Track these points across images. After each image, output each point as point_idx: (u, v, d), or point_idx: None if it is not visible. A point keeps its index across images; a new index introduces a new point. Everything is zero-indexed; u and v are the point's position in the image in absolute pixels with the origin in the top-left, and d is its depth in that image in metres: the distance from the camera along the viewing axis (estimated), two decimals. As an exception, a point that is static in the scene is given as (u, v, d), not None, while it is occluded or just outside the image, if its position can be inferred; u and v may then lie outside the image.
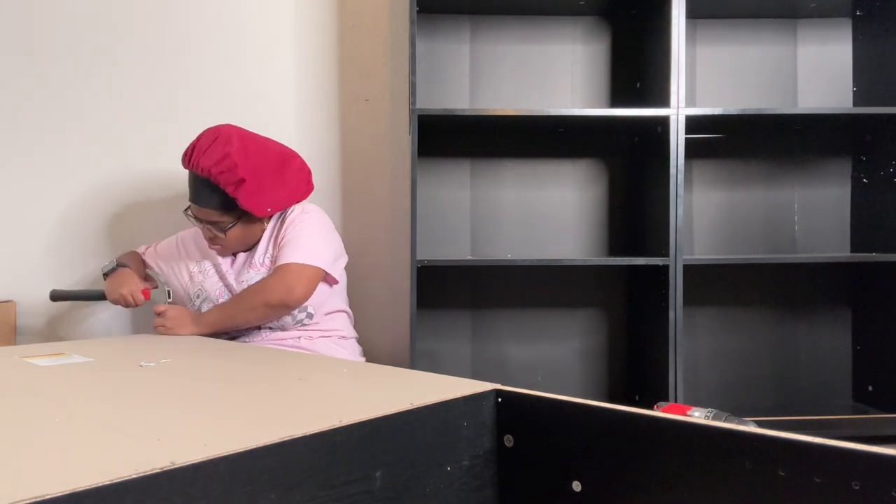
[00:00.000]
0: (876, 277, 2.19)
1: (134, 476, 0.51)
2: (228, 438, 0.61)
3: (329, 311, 1.83)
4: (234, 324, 1.65)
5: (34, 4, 2.24)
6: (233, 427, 0.67)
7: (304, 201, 1.84)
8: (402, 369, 1.02)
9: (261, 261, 1.78)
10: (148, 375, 1.00)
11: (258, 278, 1.74)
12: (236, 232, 1.74)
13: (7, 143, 2.25)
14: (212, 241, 1.77)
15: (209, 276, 1.83)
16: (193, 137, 2.27)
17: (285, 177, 1.76)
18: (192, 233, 1.94)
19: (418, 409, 0.72)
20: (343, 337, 1.85)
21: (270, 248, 1.78)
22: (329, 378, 0.96)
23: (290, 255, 1.66)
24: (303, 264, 1.65)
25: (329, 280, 1.76)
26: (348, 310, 1.91)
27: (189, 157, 1.70)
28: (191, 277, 1.85)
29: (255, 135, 1.80)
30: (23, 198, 2.26)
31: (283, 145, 1.85)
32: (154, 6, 2.26)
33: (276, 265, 1.67)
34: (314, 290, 1.68)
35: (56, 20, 2.24)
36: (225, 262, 1.83)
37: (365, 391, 0.85)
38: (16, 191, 2.26)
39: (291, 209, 1.80)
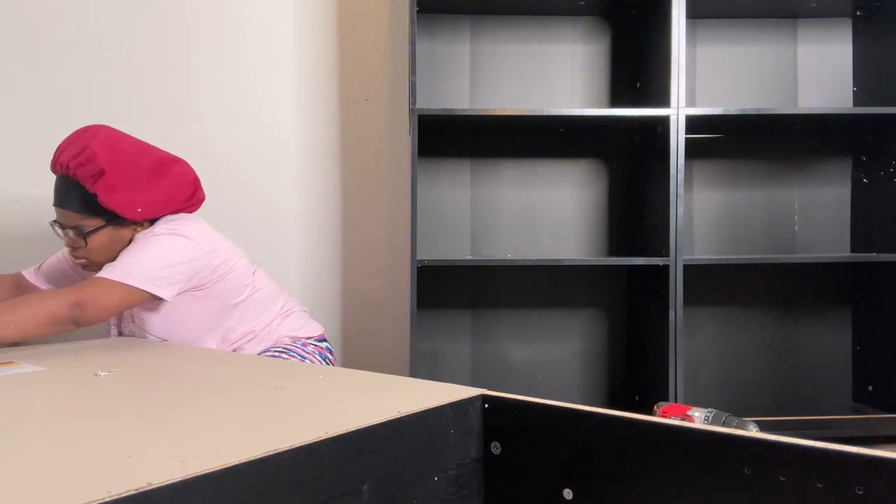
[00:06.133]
0: (876, 277, 2.19)
1: (108, 499, 0.47)
2: (207, 454, 0.57)
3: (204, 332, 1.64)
4: (12, 334, 1.35)
5: (34, 4, 2.23)
6: (210, 441, 0.62)
7: (185, 215, 1.66)
8: (382, 375, 0.99)
9: None
10: (106, 385, 0.94)
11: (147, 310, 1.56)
12: (101, 239, 1.54)
13: (7, 142, 2.25)
14: (73, 251, 1.57)
15: None
16: (195, 137, 2.28)
17: (162, 178, 1.58)
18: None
19: (406, 417, 0.69)
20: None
21: None
22: (307, 386, 0.91)
23: (108, 270, 1.46)
24: (115, 282, 1.44)
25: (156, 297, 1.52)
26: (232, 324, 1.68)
27: (53, 157, 1.53)
28: None
29: (133, 137, 1.61)
30: (23, 198, 2.25)
31: (167, 153, 1.66)
32: (154, 6, 2.25)
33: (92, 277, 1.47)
34: (118, 310, 1.48)
35: (56, 21, 2.24)
36: None
37: (348, 399, 0.82)
38: (16, 190, 2.25)
39: (162, 221, 1.61)
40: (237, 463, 0.55)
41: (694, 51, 2.27)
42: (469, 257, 2.25)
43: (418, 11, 2.10)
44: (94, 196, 1.49)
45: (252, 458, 0.56)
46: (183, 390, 0.92)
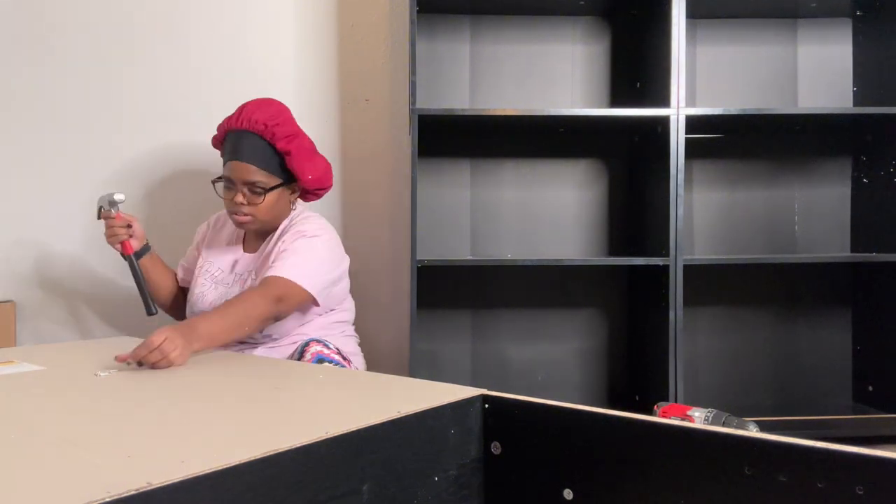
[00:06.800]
0: (876, 277, 2.19)
1: (108, 499, 0.46)
2: (208, 454, 0.57)
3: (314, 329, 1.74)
4: (238, 335, 1.49)
5: (36, 2, 2.23)
6: (210, 442, 0.62)
7: (313, 216, 1.77)
8: (382, 375, 0.99)
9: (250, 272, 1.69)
10: (106, 385, 0.94)
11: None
12: (272, 199, 1.65)
13: (7, 142, 2.25)
14: (241, 207, 1.65)
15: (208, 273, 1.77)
16: (194, 137, 2.27)
17: (317, 156, 1.76)
18: (215, 219, 1.90)
19: (406, 417, 0.69)
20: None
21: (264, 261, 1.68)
22: (307, 386, 0.91)
23: (284, 269, 1.56)
24: (295, 283, 1.55)
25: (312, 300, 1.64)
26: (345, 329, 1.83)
27: (238, 116, 1.65)
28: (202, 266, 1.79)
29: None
30: (23, 198, 2.25)
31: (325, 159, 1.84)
32: (154, 6, 2.25)
33: (268, 276, 1.55)
34: (293, 310, 1.60)
35: (57, 21, 2.24)
36: (227, 264, 1.78)
37: (348, 399, 0.81)
38: (16, 190, 2.25)
39: (301, 217, 1.72)
40: (237, 463, 0.54)
41: (694, 51, 2.27)
42: (469, 257, 2.25)
43: (418, 11, 2.09)
44: (282, 156, 1.64)
45: (252, 458, 0.55)
46: (183, 390, 0.91)
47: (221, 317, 1.45)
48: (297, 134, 1.66)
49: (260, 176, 1.63)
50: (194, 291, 1.77)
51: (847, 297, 2.29)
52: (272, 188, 1.64)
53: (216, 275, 1.77)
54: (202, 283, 1.76)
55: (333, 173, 1.84)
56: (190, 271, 1.87)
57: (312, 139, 2.34)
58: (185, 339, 1.28)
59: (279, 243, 1.66)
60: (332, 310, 1.77)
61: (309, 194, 1.82)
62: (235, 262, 1.78)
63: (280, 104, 1.70)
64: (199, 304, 1.73)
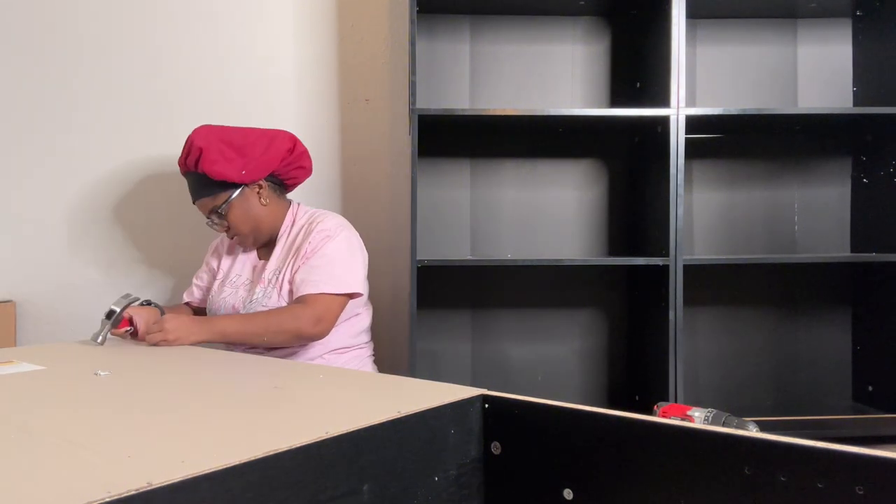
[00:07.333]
0: (876, 277, 2.19)
1: (108, 499, 0.46)
2: (207, 454, 0.57)
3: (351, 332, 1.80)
4: (254, 342, 1.56)
5: (37, 2, 2.23)
6: (210, 441, 0.62)
7: (330, 214, 1.79)
8: (382, 375, 0.99)
9: (272, 276, 1.72)
10: (106, 385, 0.94)
11: (266, 299, 1.69)
12: (236, 212, 1.72)
13: (7, 142, 2.25)
14: (225, 232, 1.79)
15: (229, 285, 1.82)
16: (193, 137, 2.28)
17: (254, 145, 1.74)
18: (220, 241, 1.97)
19: (406, 417, 0.69)
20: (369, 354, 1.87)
21: (289, 263, 1.71)
22: (307, 386, 0.92)
23: (317, 284, 1.61)
24: (333, 295, 1.62)
25: (354, 296, 1.70)
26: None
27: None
28: (222, 280, 1.84)
29: (230, 126, 1.79)
30: (23, 198, 2.25)
31: (265, 129, 1.81)
32: (154, 6, 2.25)
33: (306, 294, 1.60)
34: (334, 324, 1.64)
35: (58, 20, 2.24)
36: (246, 272, 1.82)
37: (348, 399, 0.81)
38: (16, 191, 2.25)
39: (319, 219, 1.74)
40: (237, 463, 0.55)
41: (694, 51, 2.27)
42: (469, 257, 2.25)
43: (418, 11, 2.09)
44: (206, 175, 1.67)
45: (252, 458, 0.55)
46: (183, 390, 0.91)
47: (244, 322, 1.55)
48: (204, 148, 1.67)
49: (210, 203, 1.72)
50: (216, 299, 1.80)
51: (847, 297, 2.29)
52: (225, 203, 1.71)
53: (235, 280, 1.81)
54: (225, 290, 1.81)
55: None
56: (205, 289, 1.91)
57: (313, 139, 2.34)
58: (198, 327, 1.47)
59: (306, 243, 1.69)
60: (356, 314, 1.79)
61: (287, 182, 1.85)
62: (254, 269, 1.82)
63: (191, 134, 1.71)
64: (223, 310, 1.78)
